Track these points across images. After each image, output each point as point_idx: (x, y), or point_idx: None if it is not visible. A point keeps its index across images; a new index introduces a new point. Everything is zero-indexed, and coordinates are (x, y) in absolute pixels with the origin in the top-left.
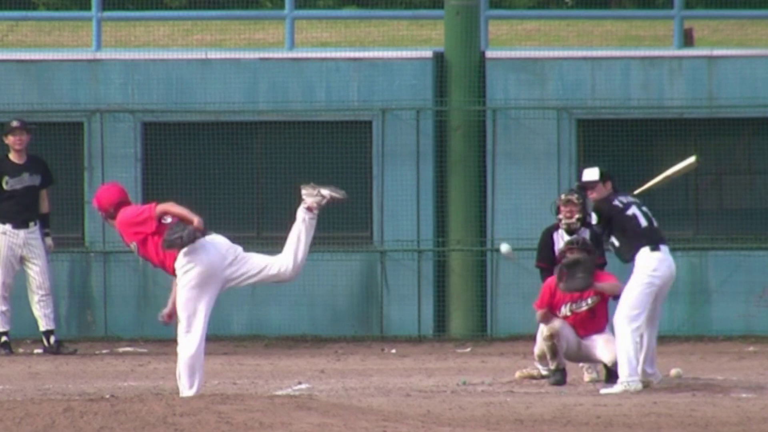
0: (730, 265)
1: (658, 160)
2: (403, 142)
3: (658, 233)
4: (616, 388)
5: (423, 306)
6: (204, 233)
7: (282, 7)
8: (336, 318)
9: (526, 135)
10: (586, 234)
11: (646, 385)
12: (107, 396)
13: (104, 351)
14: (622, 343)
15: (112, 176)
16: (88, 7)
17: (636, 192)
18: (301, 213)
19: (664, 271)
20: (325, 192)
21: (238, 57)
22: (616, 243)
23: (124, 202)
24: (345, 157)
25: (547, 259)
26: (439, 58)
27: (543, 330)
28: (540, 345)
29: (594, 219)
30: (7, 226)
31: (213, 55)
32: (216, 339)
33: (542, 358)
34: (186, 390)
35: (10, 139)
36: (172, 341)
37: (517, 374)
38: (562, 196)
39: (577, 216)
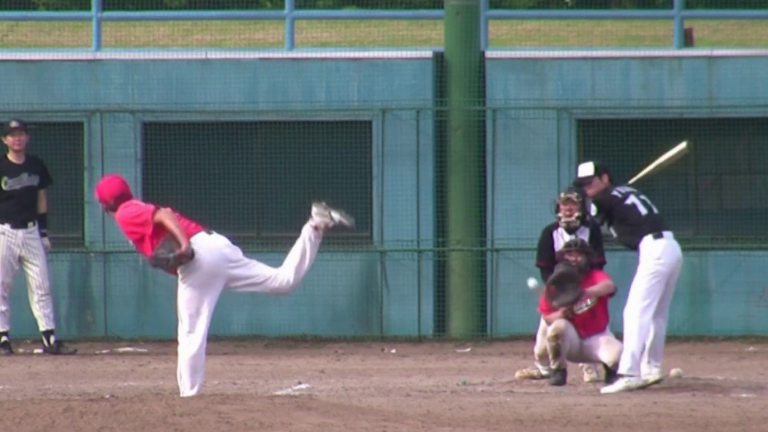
0: (730, 265)
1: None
2: (403, 142)
3: (660, 220)
4: (617, 384)
5: (423, 306)
6: (191, 257)
7: (282, 7)
8: (336, 318)
9: (526, 135)
10: (585, 233)
11: (647, 385)
12: (107, 396)
13: (104, 351)
14: (629, 336)
15: None
16: (88, 7)
17: (630, 182)
18: (307, 231)
19: (669, 257)
20: (336, 216)
21: (238, 57)
22: (615, 234)
23: (125, 195)
24: (345, 157)
25: (547, 257)
26: (439, 58)
27: (548, 330)
28: (541, 344)
29: (593, 210)
30: (6, 226)
31: (213, 55)
32: (216, 339)
33: (542, 358)
34: (187, 390)
35: (9, 140)
36: (172, 341)
37: (517, 374)
38: (562, 195)
39: (576, 214)
